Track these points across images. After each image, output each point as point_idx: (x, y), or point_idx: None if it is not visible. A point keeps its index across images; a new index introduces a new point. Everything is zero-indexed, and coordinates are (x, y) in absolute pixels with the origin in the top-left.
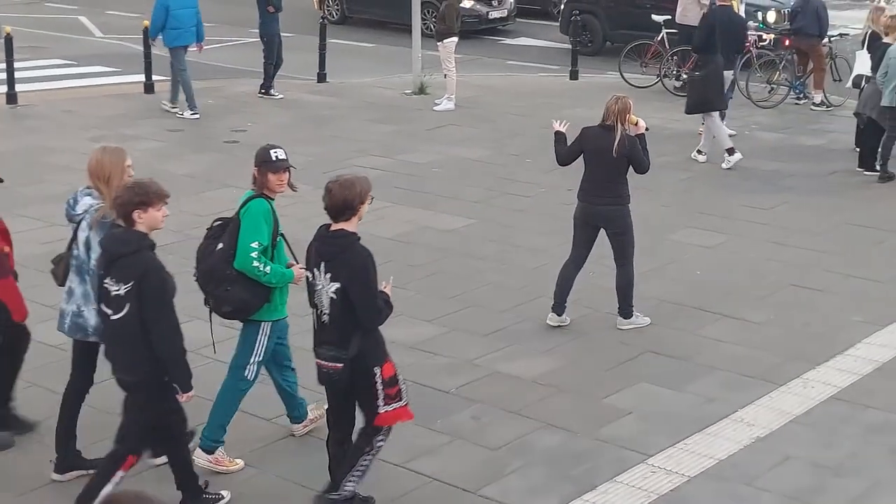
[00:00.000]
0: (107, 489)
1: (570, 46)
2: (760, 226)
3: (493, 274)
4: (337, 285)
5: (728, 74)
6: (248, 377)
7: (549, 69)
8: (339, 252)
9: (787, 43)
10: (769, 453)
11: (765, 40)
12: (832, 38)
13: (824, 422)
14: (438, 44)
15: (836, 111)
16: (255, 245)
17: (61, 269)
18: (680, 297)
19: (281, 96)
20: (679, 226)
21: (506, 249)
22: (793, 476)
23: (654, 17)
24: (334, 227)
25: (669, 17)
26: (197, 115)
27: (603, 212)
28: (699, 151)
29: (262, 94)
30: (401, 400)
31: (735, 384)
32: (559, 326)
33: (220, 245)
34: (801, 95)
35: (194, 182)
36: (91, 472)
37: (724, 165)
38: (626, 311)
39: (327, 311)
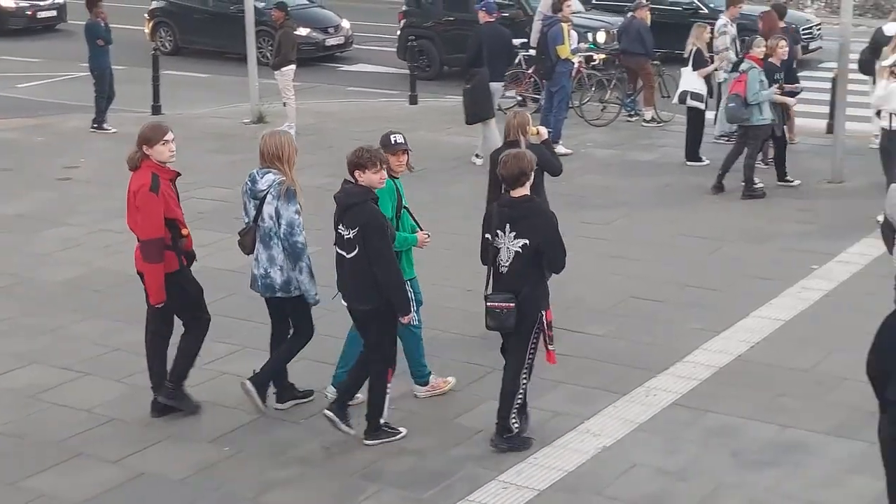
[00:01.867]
0: (387, 400)
1: (408, 71)
2: (599, 241)
3: (338, 301)
4: (524, 241)
5: (497, 86)
6: (414, 321)
7: (388, 94)
8: (526, 214)
9: (618, 62)
10: (616, 462)
11: (595, 60)
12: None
13: (667, 428)
14: (276, 72)
15: (667, 126)
16: None
17: (249, 239)
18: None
19: (115, 130)
20: None
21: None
22: (640, 483)
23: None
24: (516, 193)
25: (525, 40)
26: None
27: None
28: (477, 155)
29: (95, 128)
30: (553, 344)
31: (580, 397)
32: None
33: None
34: (633, 112)
35: (27, 222)
36: (304, 399)
37: (473, 159)
38: None
39: (507, 264)
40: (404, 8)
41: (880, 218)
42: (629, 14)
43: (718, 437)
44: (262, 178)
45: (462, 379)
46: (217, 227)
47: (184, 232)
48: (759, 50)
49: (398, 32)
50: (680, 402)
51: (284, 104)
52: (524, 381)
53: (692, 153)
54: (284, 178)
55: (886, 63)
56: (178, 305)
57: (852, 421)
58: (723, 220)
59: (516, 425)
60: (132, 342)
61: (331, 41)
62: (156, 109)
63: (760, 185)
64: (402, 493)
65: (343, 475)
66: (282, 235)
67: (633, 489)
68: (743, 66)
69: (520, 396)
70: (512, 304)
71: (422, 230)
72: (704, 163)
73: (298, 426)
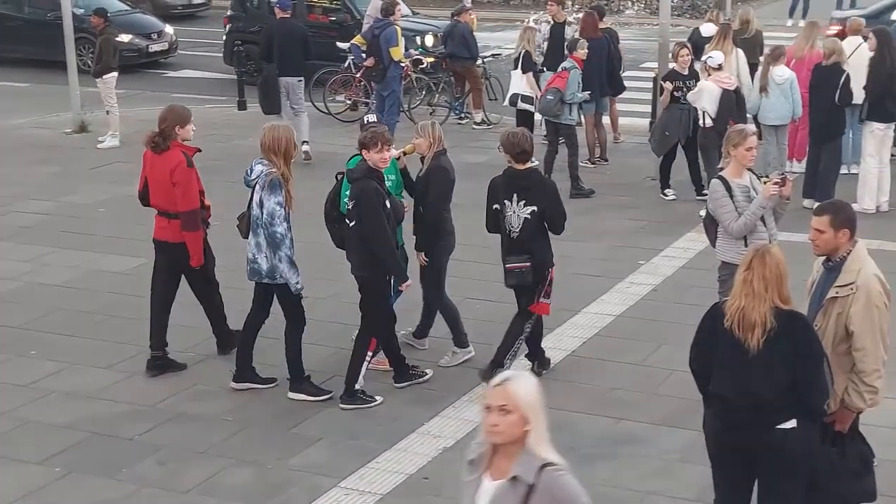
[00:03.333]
0: (364, 367)
1: (235, 77)
2: None
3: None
4: (532, 208)
5: (290, 81)
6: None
7: (215, 100)
8: (533, 184)
9: (444, 66)
10: (457, 463)
11: (423, 64)
12: (485, 60)
13: None
14: (97, 80)
15: (496, 128)
16: (347, 193)
17: (244, 224)
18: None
19: None
20: None
21: (181, 288)
22: None
23: (340, 45)
24: (522, 167)
25: (353, 43)
26: None
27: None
28: (306, 153)
29: None
30: (549, 297)
31: (419, 399)
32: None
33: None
34: (463, 115)
35: None
36: (261, 385)
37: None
38: (423, 331)
39: (517, 230)
40: (230, 13)
41: (703, 213)
42: (453, 18)
43: (554, 433)
44: (255, 168)
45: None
46: (40, 241)
47: (206, 203)
48: (582, 52)
49: (224, 37)
50: None
51: (107, 112)
52: (528, 328)
53: None
54: (274, 170)
55: (703, 59)
56: (195, 268)
57: (682, 411)
58: None
59: (509, 364)
60: None
61: (154, 47)
62: None
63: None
64: None
65: (179, 492)
66: (263, 224)
67: None
68: (566, 65)
69: (520, 341)
70: (528, 264)
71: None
72: (534, 163)
73: (132, 442)
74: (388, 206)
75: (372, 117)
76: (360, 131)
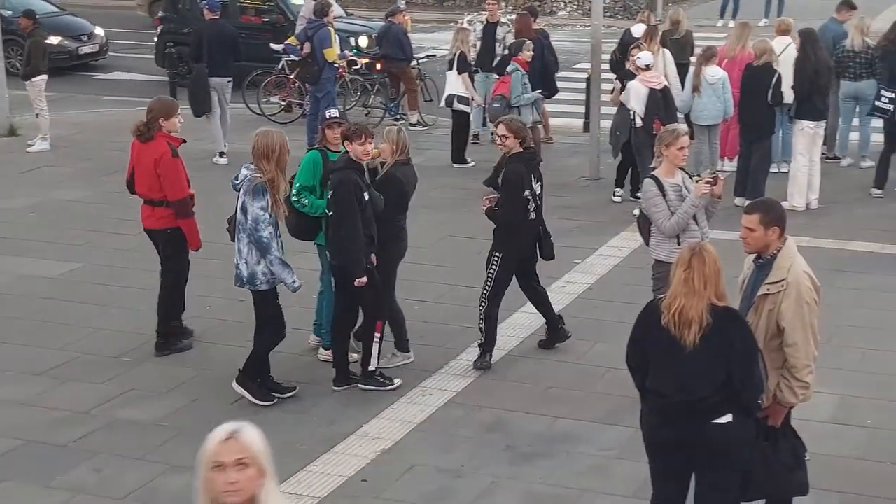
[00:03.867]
0: (375, 349)
1: (167, 79)
2: None
3: (103, 319)
4: (540, 182)
5: (220, 81)
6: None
7: (147, 102)
8: (538, 162)
9: (378, 67)
10: (395, 465)
11: (358, 65)
12: (420, 61)
13: (443, 427)
14: (26, 83)
15: (432, 130)
16: (297, 185)
17: (232, 227)
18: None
19: None
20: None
21: (115, 292)
22: (419, 483)
23: (273, 46)
24: (525, 150)
25: (289, 43)
26: None
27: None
28: (221, 153)
29: None
30: None
31: (356, 401)
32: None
33: None
34: (398, 116)
35: None
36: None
37: (215, 160)
38: (403, 344)
39: (535, 209)
40: (161, 14)
41: (636, 212)
42: (388, 19)
43: (493, 433)
44: (241, 172)
45: (231, 395)
46: None
47: (190, 191)
48: (527, 54)
49: (155, 39)
50: (455, 400)
51: (37, 116)
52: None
53: (458, 155)
54: (258, 175)
55: (632, 58)
56: (181, 253)
57: (618, 408)
58: (489, 220)
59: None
60: None
61: (84, 49)
62: None
63: None
64: None
65: (115, 498)
66: (247, 230)
67: (413, 490)
68: (509, 69)
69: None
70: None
71: None
72: (470, 164)
73: (66, 449)
74: (367, 197)
75: (334, 112)
76: (299, 130)
